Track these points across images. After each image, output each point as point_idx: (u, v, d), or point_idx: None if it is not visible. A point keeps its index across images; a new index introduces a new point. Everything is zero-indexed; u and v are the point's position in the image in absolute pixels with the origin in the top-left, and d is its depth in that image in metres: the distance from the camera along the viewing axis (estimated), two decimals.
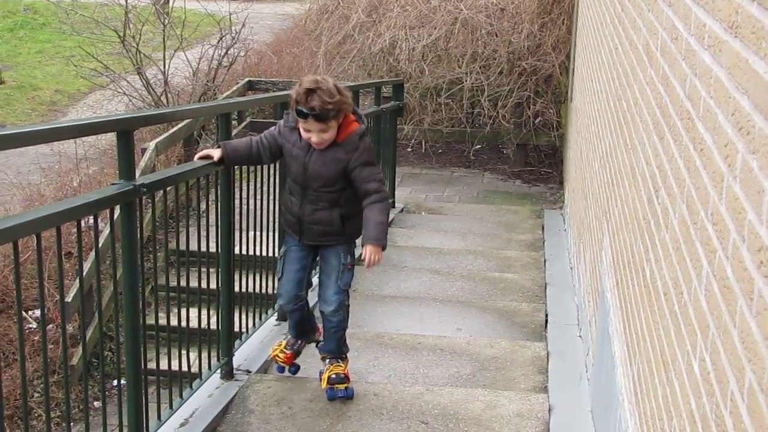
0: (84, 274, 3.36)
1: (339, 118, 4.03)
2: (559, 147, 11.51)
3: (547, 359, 5.04)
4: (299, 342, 4.68)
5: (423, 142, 12.25)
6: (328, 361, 4.47)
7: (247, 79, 12.33)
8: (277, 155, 4.37)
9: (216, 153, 4.22)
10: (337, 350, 4.46)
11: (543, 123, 11.66)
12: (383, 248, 4.13)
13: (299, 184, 4.21)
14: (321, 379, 4.46)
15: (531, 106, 11.37)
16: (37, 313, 7.52)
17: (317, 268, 4.60)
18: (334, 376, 4.38)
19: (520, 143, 11.78)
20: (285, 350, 4.64)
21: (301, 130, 4.09)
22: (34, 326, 7.40)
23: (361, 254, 4.15)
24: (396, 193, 9.61)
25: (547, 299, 6.24)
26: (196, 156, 4.29)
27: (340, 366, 4.44)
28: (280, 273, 4.42)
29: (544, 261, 7.35)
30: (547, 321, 5.79)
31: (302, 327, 4.60)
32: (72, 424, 5.83)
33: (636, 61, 3.71)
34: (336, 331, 4.40)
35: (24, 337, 6.87)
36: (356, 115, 4.20)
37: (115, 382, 6.42)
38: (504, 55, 11.43)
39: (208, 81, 12.47)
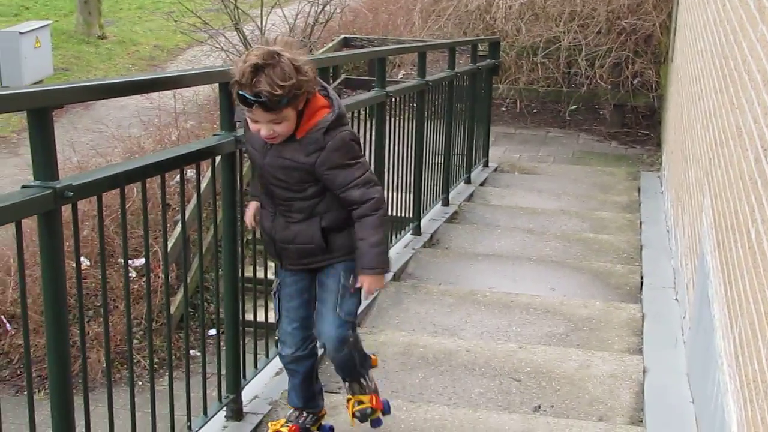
0: (185, 223, 3.42)
1: (297, 104, 2.97)
2: (658, 108, 11.28)
3: (642, 321, 4.99)
4: (305, 416, 3.53)
5: (518, 102, 12.14)
6: (347, 385, 3.55)
7: (342, 36, 12.34)
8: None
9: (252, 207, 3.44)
10: (351, 374, 3.49)
11: (641, 84, 11.43)
12: (384, 272, 3.24)
13: (264, 193, 3.28)
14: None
15: (630, 66, 11.16)
16: (137, 262, 7.71)
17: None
18: (358, 413, 3.52)
19: (618, 104, 11.59)
20: (287, 425, 3.51)
21: (248, 121, 3.05)
22: (134, 275, 7.58)
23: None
24: (490, 152, 9.56)
25: (643, 261, 6.16)
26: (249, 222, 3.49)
27: (365, 395, 3.52)
28: (277, 314, 3.43)
29: (640, 223, 7.24)
30: (642, 283, 5.71)
31: (308, 388, 3.51)
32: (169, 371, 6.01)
33: (746, 17, 3.60)
34: (344, 365, 3.43)
35: (113, 287, 7.07)
36: (328, 98, 3.12)
37: (211, 332, 6.57)
38: (603, 14, 11.22)
39: (304, 37, 12.53)
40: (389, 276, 5.50)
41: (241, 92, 2.89)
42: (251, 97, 2.87)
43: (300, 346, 3.39)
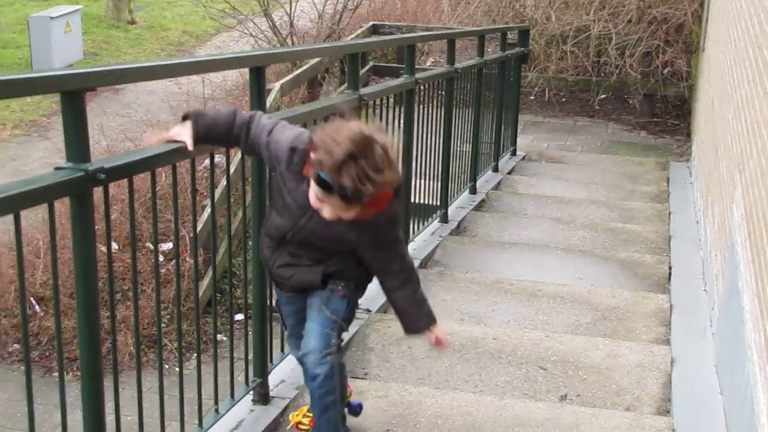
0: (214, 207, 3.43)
1: (372, 201, 2.68)
2: (688, 98, 11.19)
3: (670, 312, 4.96)
4: None
5: (546, 90, 12.09)
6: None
7: (371, 23, 12.32)
8: (258, 157, 3.10)
9: (185, 132, 2.82)
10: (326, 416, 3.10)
11: (672, 73, 11.35)
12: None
13: (280, 237, 3.07)
14: None
15: (660, 56, 11.08)
16: (164, 246, 7.75)
17: None
18: None
19: (647, 93, 11.51)
20: (309, 414, 3.36)
21: (312, 195, 2.72)
22: (162, 260, 7.63)
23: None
24: (518, 140, 9.53)
25: (671, 252, 6.12)
26: (155, 140, 2.86)
27: None
28: (284, 326, 3.39)
29: (669, 213, 7.19)
30: (670, 273, 5.68)
31: None
32: (196, 355, 6.04)
33: None
34: (322, 399, 3.05)
35: (140, 271, 7.11)
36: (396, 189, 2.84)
37: (238, 317, 6.59)
38: (634, 3, 11.14)
39: (332, 24, 12.52)
40: (416, 263, 5.50)
41: (322, 175, 2.57)
42: (335, 186, 2.57)
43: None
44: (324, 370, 3.00)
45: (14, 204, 2.17)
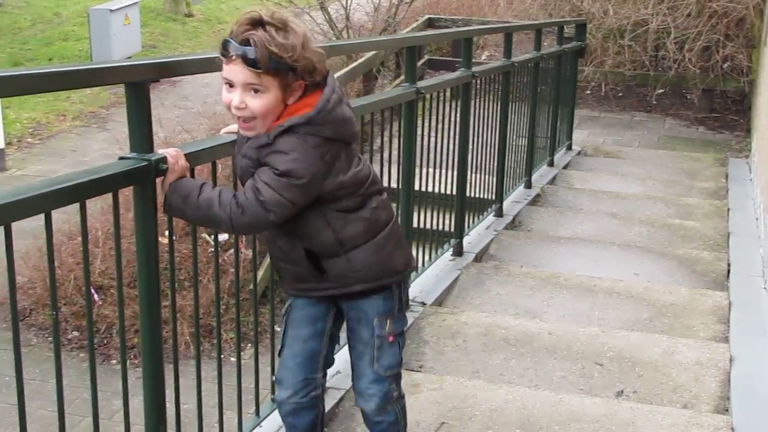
0: None
1: (286, 82, 2.39)
2: (749, 93, 11.03)
3: (729, 309, 4.90)
4: None
5: (603, 85, 11.98)
6: None
7: (427, 17, 12.31)
8: None
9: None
10: None
11: (732, 68, 11.18)
12: (167, 203, 2.45)
13: None
14: None
15: (720, 50, 10.92)
16: (221, 237, 7.82)
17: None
18: None
19: (706, 88, 11.36)
20: None
21: (222, 90, 2.44)
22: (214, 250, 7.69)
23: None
24: (573, 135, 9.46)
25: (730, 249, 6.04)
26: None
27: None
28: (281, 343, 2.85)
29: (728, 210, 7.10)
30: (729, 271, 5.61)
31: None
32: (250, 345, 6.10)
33: None
34: None
35: (207, 260, 7.18)
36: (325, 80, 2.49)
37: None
38: None
39: (388, 17, 12.52)
40: (467, 259, 5.50)
41: (227, 39, 2.38)
42: (236, 43, 2.34)
43: (299, 390, 2.79)
44: (388, 419, 2.85)
45: (80, 193, 2.21)
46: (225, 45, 2.37)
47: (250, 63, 2.33)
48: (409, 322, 4.48)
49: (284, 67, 2.35)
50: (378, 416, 2.83)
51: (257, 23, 2.34)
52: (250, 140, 2.48)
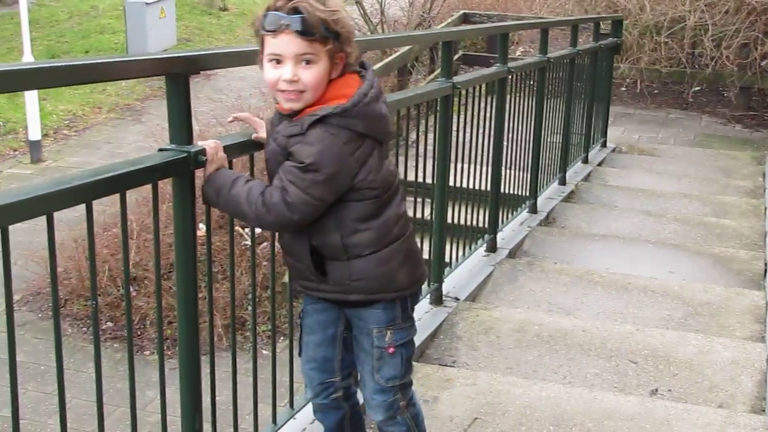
0: None
1: (334, 49, 2.36)
2: None
3: (766, 309, 4.85)
4: None
5: (638, 82, 11.90)
6: None
7: (462, 12, 12.28)
8: None
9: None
10: None
11: None
12: (203, 195, 2.47)
13: None
14: None
15: (758, 48, 10.83)
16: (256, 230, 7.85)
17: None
18: None
19: (744, 86, 11.27)
20: None
21: (266, 69, 2.41)
22: (249, 243, 7.73)
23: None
24: (608, 132, 9.41)
25: (767, 248, 5.99)
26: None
27: None
28: (298, 347, 2.85)
29: (765, 209, 7.03)
30: (766, 270, 5.56)
31: None
32: (282, 338, 6.13)
33: None
34: None
35: (240, 253, 7.22)
36: (363, 68, 2.51)
37: None
38: None
39: (423, 12, 12.51)
40: (501, 255, 5.48)
41: (270, 12, 2.34)
42: (285, 13, 2.31)
43: (319, 393, 2.81)
44: (398, 429, 2.77)
45: (121, 184, 2.23)
46: (270, 19, 2.33)
47: (302, 31, 2.31)
48: (442, 318, 4.49)
49: (332, 34, 2.34)
50: (387, 426, 2.77)
51: None
52: (281, 126, 2.45)
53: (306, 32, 2.31)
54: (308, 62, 2.34)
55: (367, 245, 2.51)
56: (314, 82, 2.36)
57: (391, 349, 2.63)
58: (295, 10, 2.30)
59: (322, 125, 2.35)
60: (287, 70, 2.34)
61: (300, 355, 2.82)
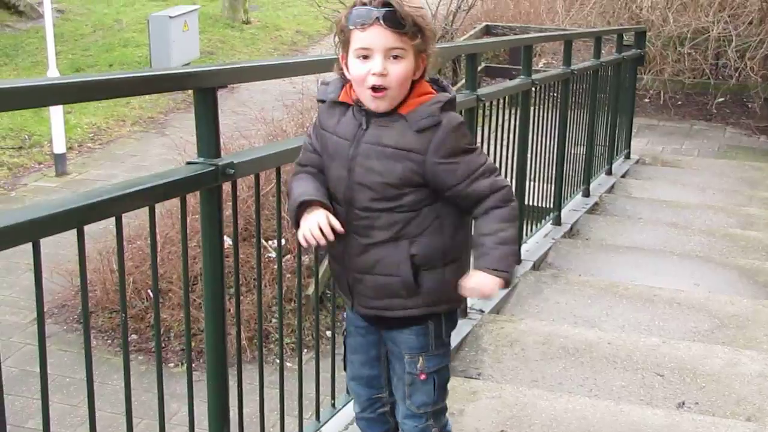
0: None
1: (420, 47, 2.36)
2: None
3: None
4: None
5: (662, 93, 11.88)
6: None
7: (484, 24, 12.31)
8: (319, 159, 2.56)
9: (322, 216, 2.41)
10: None
11: None
12: (507, 284, 2.41)
13: (342, 200, 2.47)
14: None
15: None
16: (275, 243, 7.88)
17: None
18: None
19: None
20: None
21: (353, 64, 2.38)
22: (273, 255, 7.75)
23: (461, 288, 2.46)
24: (632, 144, 9.38)
25: None
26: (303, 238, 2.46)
27: None
28: (344, 365, 2.82)
29: None
30: None
31: None
32: (306, 350, 6.13)
33: None
34: None
35: (263, 265, 7.24)
36: (436, 84, 2.47)
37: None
38: (756, 4, 10.89)
39: (446, 24, 12.53)
40: (525, 267, 5.46)
41: (357, 8, 2.33)
42: (375, 6, 2.31)
43: (366, 408, 2.80)
44: None
45: (150, 197, 2.25)
46: (360, 13, 2.32)
47: (393, 23, 2.30)
48: (467, 330, 4.48)
49: (418, 30, 2.33)
50: None
51: None
52: (379, 129, 2.40)
53: (397, 24, 2.30)
54: (396, 57, 2.33)
55: (464, 245, 2.51)
56: (402, 77, 2.34)
57: (423, 376, 2.58)
58: (385, 4, 2.30)
59: (445, 111, 2.38)
60: (377, 62, 2.32)
61: (345, 370, 2.80)
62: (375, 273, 2.45)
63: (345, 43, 2.39)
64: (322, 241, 2.39)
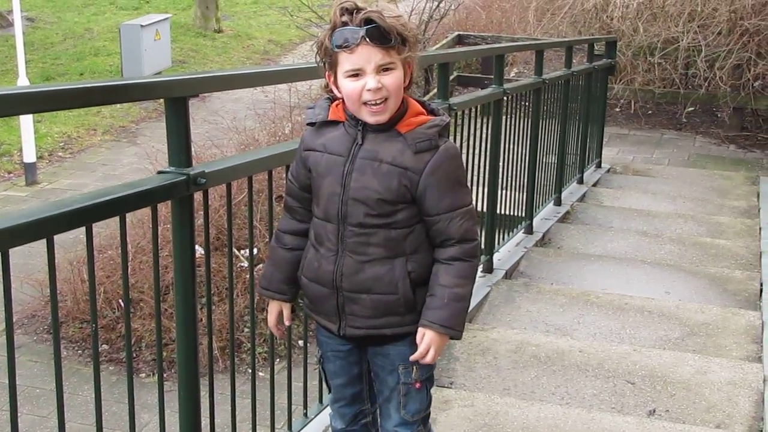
0: None
1: (405, 55, 2.36)
2: None
3: (762, 329, 4.86)
4: None
5: (632, 102, 11.95)
6: None
7: (456, 33, 12.34)
8: (308, 187, 2.55)
9: (274, 309, 2.70)
10: None
11: (763, 86, 11.17)
12: (458, 336, 2.48)
13: (335, 217, 2.45)
14: None
15: (751, 69, 10.88)
16: (246, 252, 7.85)
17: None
18: None
19: (737, 107, 11.31)
20: None
21: (345, 84, 2.37)
22: (245, 265, 7.73)
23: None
24: (603, 153, 9.44)
25: (763, 268, 5.99)
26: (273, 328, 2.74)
27: None
28: (327, 385, 2.83)
29: (759, 229, 7.05)
30: (762, 290, 5.57)
31: None
32: (277, 360, 6.11)
33: None
34: None
35: (235, 275, 7.22)
36: (425, 106, 2.49)
37: None
38: (725, 14, 10.97)
39: (417, 33, 12.55)
40: (497, 276, 5.48)
41: (339, 29, 2.31)
42: (357, 25, 2.29)
43: (350, 422, 2.79)
44: None
45: (121, 206, 2.23)
46: (344, 35, 2.31)
47: (381, 39, 2.30)
48: None
49: (402, 40, 2.33)
50: None
51: (357, 9, 2.32)
52: (375, 145, 2.41)
53: (383, 40, 2.30)
54: (386, 70, 2.34)
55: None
56: (396, 86, 2.35)
57: (418, 385, 2.60)
58: (368, 21, 2.29)
59: (442, 137, 2.42)
60: (371, 79, 2.32)
61: (329, 392, 2.81)
62: (373, 292, 2.45)
63: (332, 65, 2.39)
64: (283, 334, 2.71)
